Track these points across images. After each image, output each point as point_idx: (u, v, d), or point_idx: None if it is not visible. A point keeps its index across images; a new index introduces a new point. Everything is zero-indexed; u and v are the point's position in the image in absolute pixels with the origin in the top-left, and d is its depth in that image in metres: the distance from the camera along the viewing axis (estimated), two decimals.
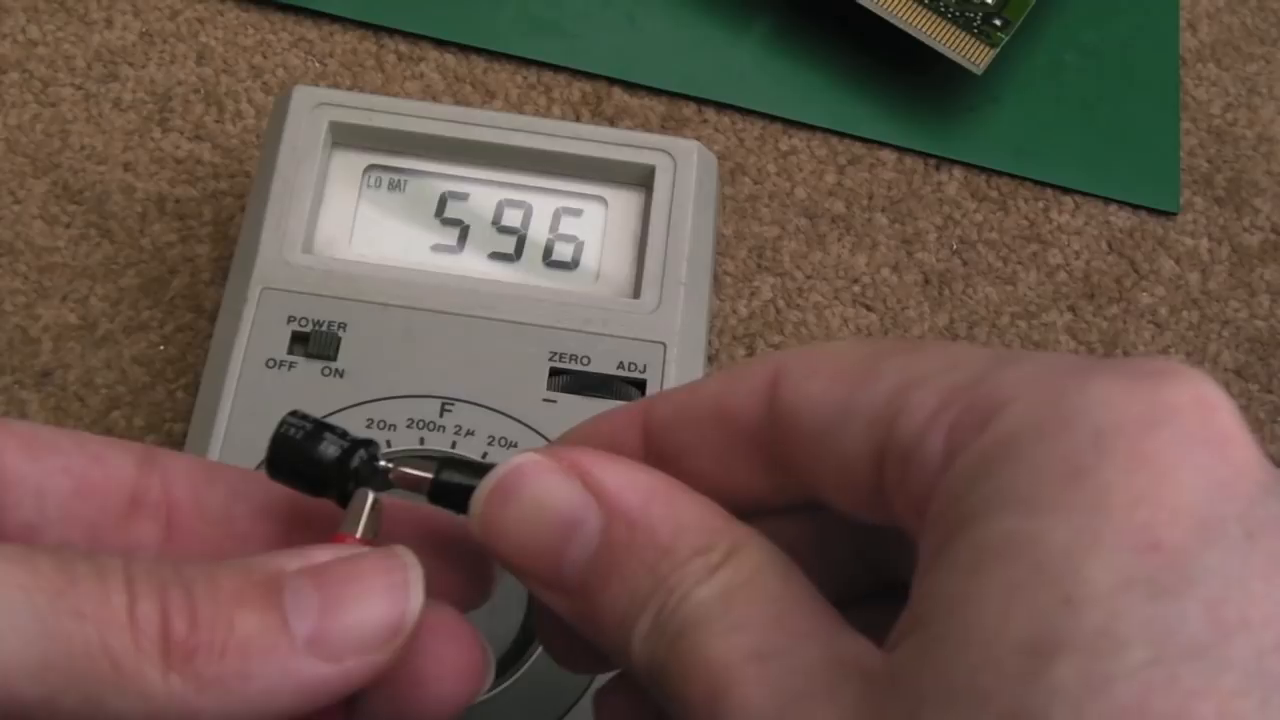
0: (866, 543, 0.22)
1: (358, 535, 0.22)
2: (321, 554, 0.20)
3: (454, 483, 0.22)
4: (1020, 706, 0.15)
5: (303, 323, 0.33)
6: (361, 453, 0.22)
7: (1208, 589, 0.15)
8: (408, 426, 0.32)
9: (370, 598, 0.20)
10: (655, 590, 0.20)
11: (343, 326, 0.33)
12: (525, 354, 0.33)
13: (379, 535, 0.22)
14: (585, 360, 0.33)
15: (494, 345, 0.33)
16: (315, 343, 0.33)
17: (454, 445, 0.32)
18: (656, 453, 0.22)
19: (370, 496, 0.22)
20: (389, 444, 0.32)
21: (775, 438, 0.21)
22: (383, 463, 0.22)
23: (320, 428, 0.22)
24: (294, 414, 0.23)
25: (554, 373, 0.33)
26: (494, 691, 0.30)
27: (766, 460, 0.21)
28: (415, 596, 0.20)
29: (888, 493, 0.19)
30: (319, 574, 0.20)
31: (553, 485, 0.21)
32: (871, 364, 0.20)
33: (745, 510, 0.21)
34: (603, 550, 0.20)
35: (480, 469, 0.22)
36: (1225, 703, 0.14)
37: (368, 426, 0.32)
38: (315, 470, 0.22)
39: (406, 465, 0.23)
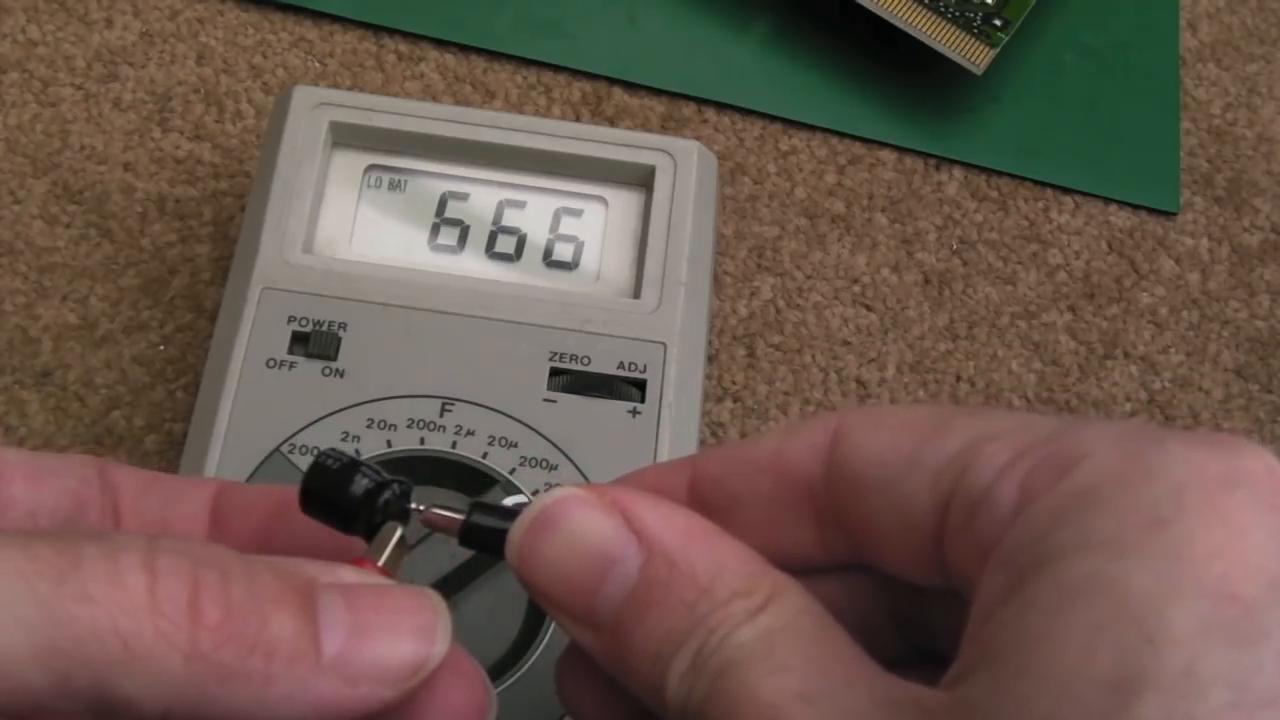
0: (905, 609, 0.22)
1: (380, 564, 0.22)
2: (348, 574, 0.20)
3: (485, 525, 0.22)
4: None
5: (303, 323, 0.33)
6: (395, 488, 0.23)
7: None
8: (408, 426, 0.32)
9: (399, 632, 0.20)
10: (694, 630, 0.19)
11: (343, 326, 0.33)
12: (525, 354, 0.33)
13: (398, 572, 0.22)
14: (585, 360, 0.33)
15: (494, 345, 0.33)
16: (315, 343, 0.33)
17: (454, 445, 0.32)
18: (702, 506, 0.22)
19: (399, 531, 0.22)
20: (389, 444, 0.32)
21: (832, 492, 0.21)
22: (414, 503, 0.23)
23: (355, 464, 0.23)
24: (330, 450, 0.23)
25: (554, 373, 0.33)
26: (495, 691, 0.30)
27: (818, 516, 0.21)
28: (442, 642, 0.20)
29: (948, 544, 0.19)
30: (350, 595, 0.20)
31: (593, 519, 0.21)
32: (940, 421, 0.20)
33: (786, 569, 0.21)
34: (640, 588, 0.20)
35: (511, 514, 0.22)
36: None
37: (368, 426, 0.32)
38: (348, 503, 0.22)
39: (438, 507, 0.23)
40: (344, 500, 0.22)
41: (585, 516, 0.21)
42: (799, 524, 0.22)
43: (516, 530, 0.21)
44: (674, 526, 0.21)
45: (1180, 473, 0.17)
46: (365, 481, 0.22)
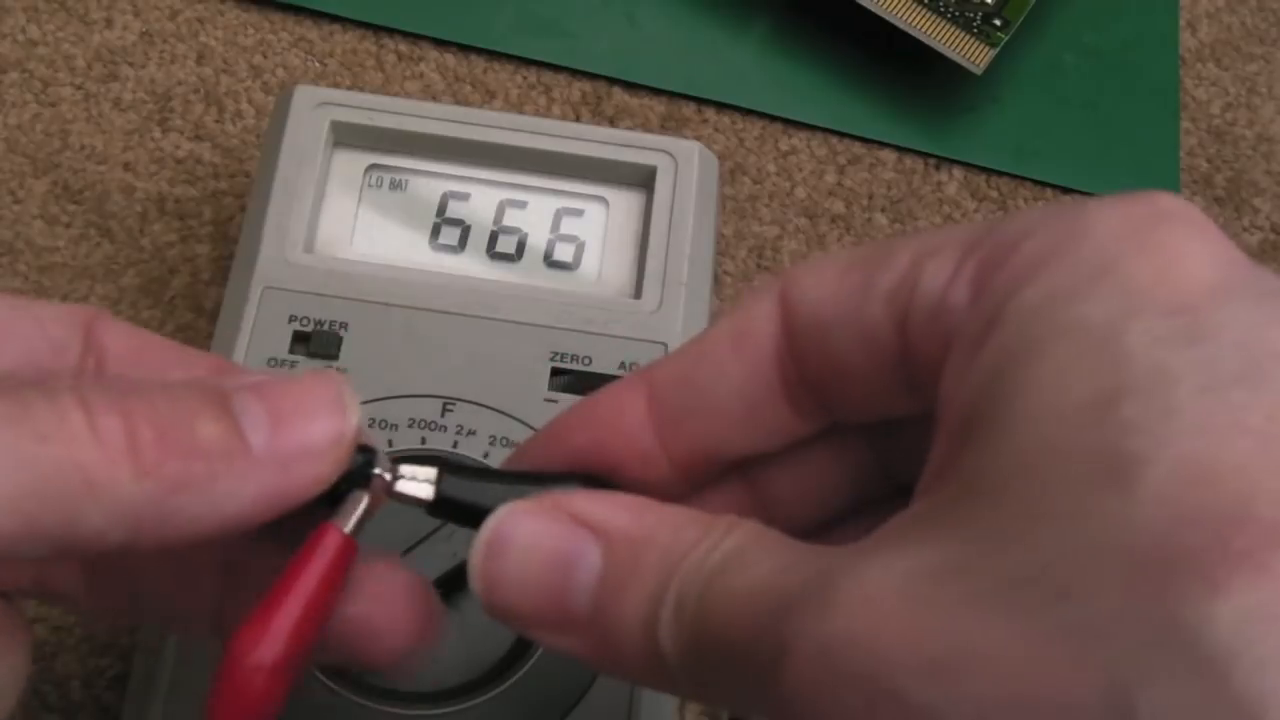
0: (897, 462, 0.23)
1: (346, 533, 0.22)
2: (255, 375, 0.22)
3: (456, 499, 0.22)
4: (1100, 449, 0.16)
5: (304, 322, 0.33)
6: (357, 456, 0.22)
7: (1234, 333, 0.17)
8: (409, 426, 0.32)
9: (313, 411, 0.21)
10: (669, 581, 0.20)
11: (344, 326, 0.33)
12: (527, 354, 0.33)
13: (360, 538, 0.22)
14: (587, 360, 0.33)
15: (495, 345, 0.33)
16: (316, 342, 0.33)
17: (455, 445, 0.32)
18: (667, 417, 0.22)
19: (364, 499, 0.22)
20: (390, 444, 0.32)
21: (794, 348, 0.22)
22: (379, 470, 0.23)
23: None
24: None
25: (555, 373, 0.33)
26: (494, 692, 0.30)
27: (785, 385, 0.22)
28: (353, 412, 0.22)
29: (914, 360, 0.20)
30: (260, 390, 0.21)
31: (542, 527, 0.21)
32: (881, 250, 0.21)
33: (767, 453, 0.22)
34: (609, 570, 0.21)
35: (483, 473, 0.22)
36: (1270, 410, 0.16)
37: (369, 426, 0.32)
38: None
39: (407, 473, 0.23)
40: None
41: (533, 526, 0.21)
42: (770, 400, 0.22)
43: (475, 560, 0.21)
44: (623, 510, 0.21)
45: (1113, 223, 0.19)
46: None
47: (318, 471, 0.21)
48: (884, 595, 0.17)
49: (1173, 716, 0.15)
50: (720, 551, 0.20)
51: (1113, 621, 0.15)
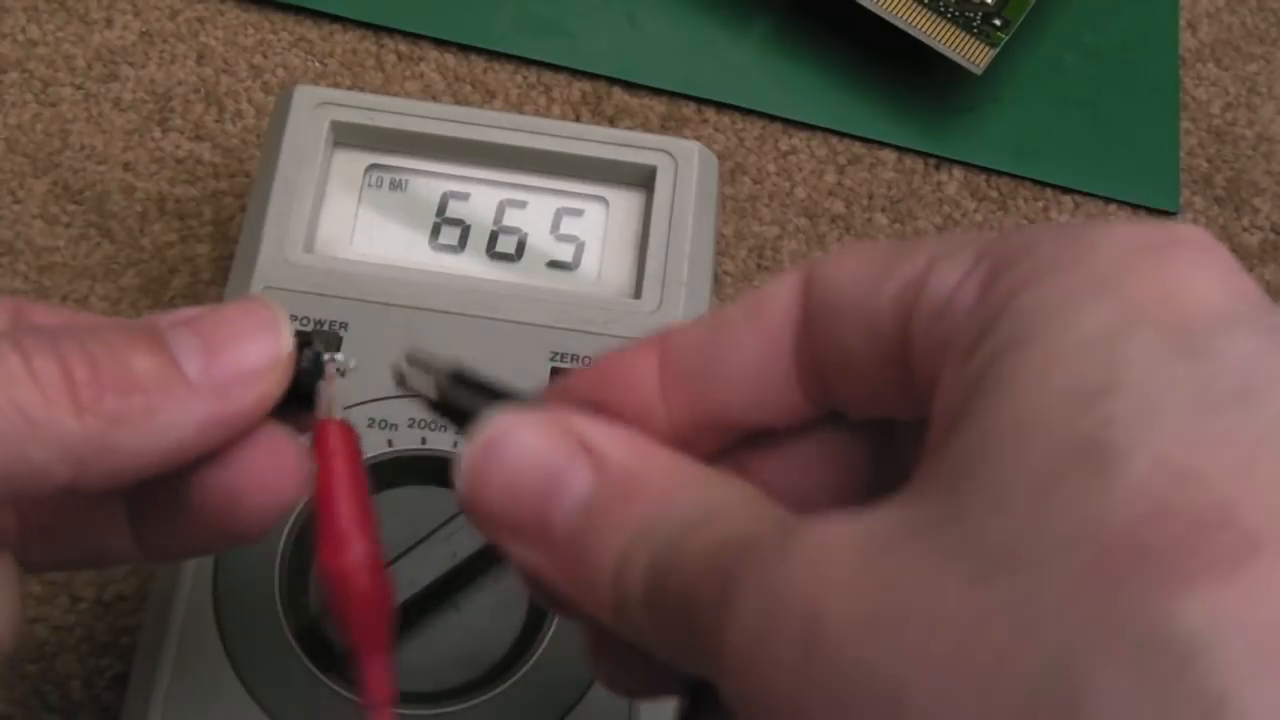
0: (890, 463, 0.23)
1: (336, 417, 0.23)
2: (188, 312, 0.22)
3: (461, 399, 0.22)
4: (1081, 433, 0.16)
5: (304, 322, 0.33)
6: (306, 353, 0.23)
7: (1234, 359, 0.17)
8: (409, 426, 0.32)
9: (247, 336, 0.22)
10: (652, 527, 0.20)
11: (344, 326, 0.33)
12: (526, 354, 0.33)
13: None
14: (586, 360, 0.33)
15: (495, 345, 0.33)
16: (317, 342, 0.33)
17: (456, 445, 0.32)
18: (676, 380, 0.22)
19: (333, 386, 0.23)
20: (390, 444, 0.32)
21: (807, 327, 0.22)
22: (338, 355, 0.23)
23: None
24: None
25: (555, 373, 0.33)
26: (494, 692, 0.30)
27: (799, 362, 0.22)
28: (287, 333, 0.22)
29: (915, 361, 0.20)
30: (193, 323, 0.22)
31: (542, 437, 0.21)
32: (903, 247, 0.21)
33: (771, 431, 0.22)
34: (597, 499, 0.20)
35: (490, 391, 0.22)
36: (1263, 430, 0.16)
37: (369, 426, 0.32)
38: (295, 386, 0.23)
39: (417, 369, 0.23)
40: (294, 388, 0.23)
41: (534, 434, 0.21)
42: (779, 377, 0.22)
43: (466, 454, 0.21)
44: (624, 443, 0.21)
45: (1124, 241, 0.18)
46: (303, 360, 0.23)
47: (260, 392, 0.22)
48: (836, 548, 0.17)
49: (1120, 702, 0.14)
50: (704, 505, 0.20)
51: (1066, 601, 0.15)
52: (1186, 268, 0.18)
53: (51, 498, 0.22)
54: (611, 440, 0.21)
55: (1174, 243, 0.18)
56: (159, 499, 0.23)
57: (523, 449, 0.21)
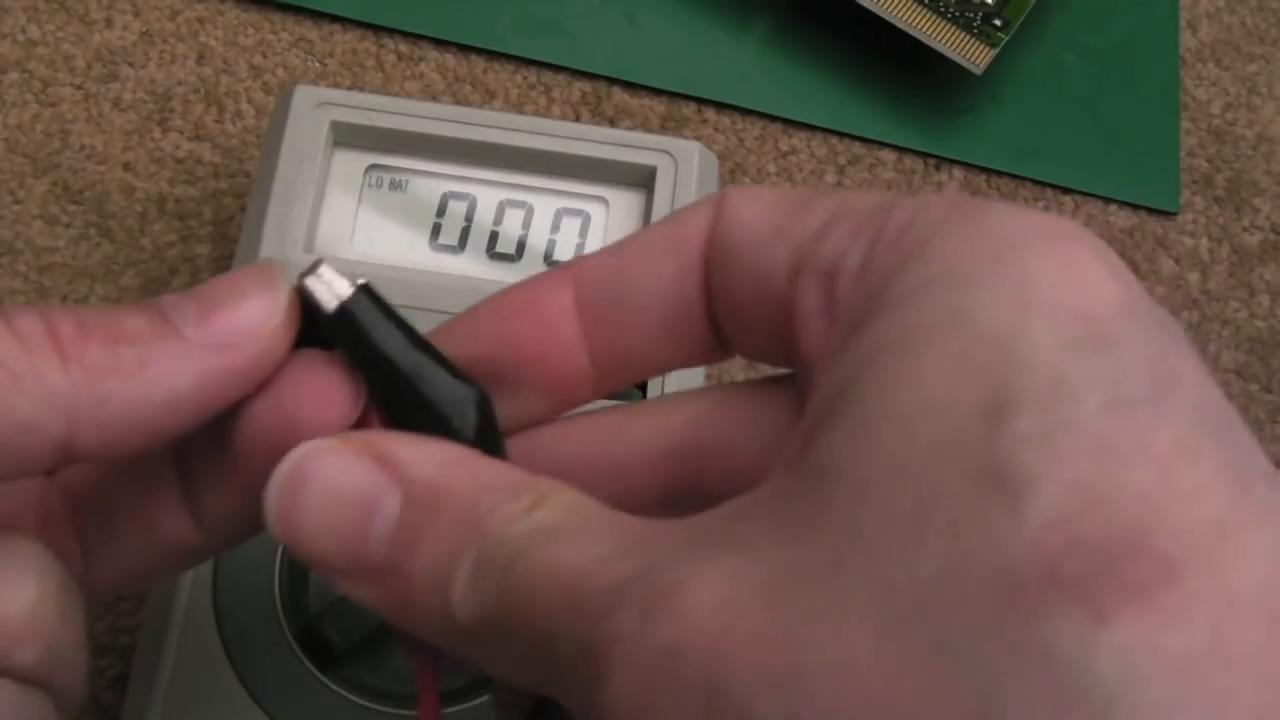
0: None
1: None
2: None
3: (356, 322, 0.21)
4: (989, 460, 0.15)
5: None
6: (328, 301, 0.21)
7: (1139, 351, 0.16)
8: None
9: (244, 292, 0.21)
10: (468, 542, 0.19)
11: None
12: None
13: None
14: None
15: None
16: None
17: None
18: (593, 310, 0.22)
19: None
20: None
21: (710, 266, 0.21)
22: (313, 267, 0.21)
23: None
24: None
25: None
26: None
27: (705, 297, 0.21)
28: (285, 284, 0.21)
29: (799, 319, 0.19)
30: (190, 292, 0.21)
31: (345, 466, 0.20)
32: (808, 199, 0.20)
33: (684, 367, 0.22)
34: (406, 521, 0.20)
35: (398, 323, 0.21)
36: (1179, 434, 0.15)
37: None
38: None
39: (327, 276, 0.21)
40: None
41: (336, 465, 0.20)
42: (692, 312, 0.21)
43: (271, 493, 0.20)
44: (429, 457, 0.20)
45: (1012, 224, 0.18)
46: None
47: (260, 345, 0.21)
48: (728, 602, 0.16)
49: None
50: (531, 521, 0.19)
51: (985, 642, 0.14)
52: (1080, 252, 0.17)
53: (86, 483, 0.21)
54: (415, 456, 0.20)
55: (1060, 233, 0.18)
56: (207, 458, 0.22)
57: (327, 481, 0.20)
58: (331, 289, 0.21)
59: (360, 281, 0.21)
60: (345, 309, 0.21)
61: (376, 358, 0.21)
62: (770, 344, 0.21)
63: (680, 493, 0.21)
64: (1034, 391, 0.16)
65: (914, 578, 0.15)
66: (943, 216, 0.18)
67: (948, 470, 0.15)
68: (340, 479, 0.20)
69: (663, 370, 0.22)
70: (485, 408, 0.21)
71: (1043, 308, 0.16)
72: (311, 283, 0.21)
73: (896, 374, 0.17)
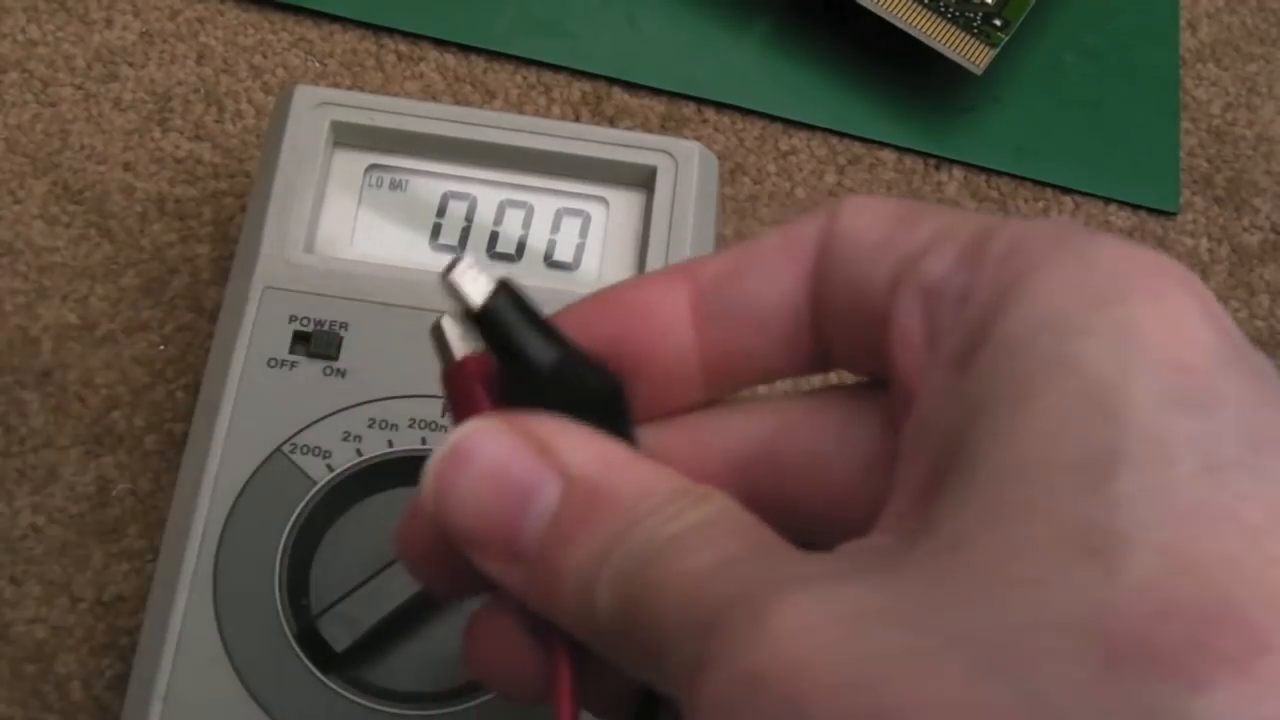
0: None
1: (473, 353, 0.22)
2: None
3: (501, 319, 0.21)
4: (1085, 518, 0.16)
5: (304, 322, 0.33)
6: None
7: (1236, 410, 0.16)
8: (410, 426, 0.32)
9: None
10: (619, 545, 0.19)
11: (344, 326, 0.33)
12: None
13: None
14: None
15: None
16: (317, 342, 0.33)
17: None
18: (710, 314, 0.22)
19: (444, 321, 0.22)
20: (390, 444, 0.32)
21: (817, 273, 0.21)
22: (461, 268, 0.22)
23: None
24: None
25: None
26: (494, 692, 0.30)
27: (811, 302, 0.21)
28: None
29: (896, 332, 0.20)
30: None
31: (508, 450, 0.20)
32: (916, 213, 0.20)
33: (782, 377, 0.22)
34: (563, 516, 0.20)
35: (535, 319, 0.21)
36: (1271, 504, 0.16)
37: (370, 426, 0.32)
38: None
39: (470, 275, 0.21)
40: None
41: (500, 447, 0.20)
42: (803, 317, 0.21)
43: (432, 467, 0.21)
44: (592, 453, 0.20)
45: (1114, 262, 0.18)
46: None
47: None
48: (821, 628, 0.16)
49: None
50: (679, 523, 0.19)
51: (1079, 702, 0.15)
52: (1181, 295, 0.17)
53: None
54: (578, 449, 0.20)
55: (1165, 268, 0.18)
56: None
57: (487, 463, 0.20)
58: (476, 285, 0.21)
59: (501, 279, 0.21)
60: (489, 305, 0.21)
61: (521, 350, 0.21)
62: (866, 355, 0.21)
63: (758, 501, 0.21)
64: (1132, 452, 0.16)
65: (1003, 627, 0.15)
66: (1046, 250, 0.18)
67: (1045, 528, 0.16)
68: (502, 460, 0.20)
69: (769, 379, 0.23)
70: (625, 399, 0.21)
71: (1144, 362, 0.17)
72: (455, 278, 0.21)
73: (1005, 429, 0.17)
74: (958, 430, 0.18)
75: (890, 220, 0.21)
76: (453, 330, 0.22)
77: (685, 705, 0.17)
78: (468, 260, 0.21)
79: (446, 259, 0.35)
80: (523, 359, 0.21)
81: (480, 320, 0.21)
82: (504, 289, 0.21)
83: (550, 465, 0.20)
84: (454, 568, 0.21)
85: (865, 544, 0.18)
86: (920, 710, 0.15)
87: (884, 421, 0.21)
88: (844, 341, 0.21)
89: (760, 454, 0.22)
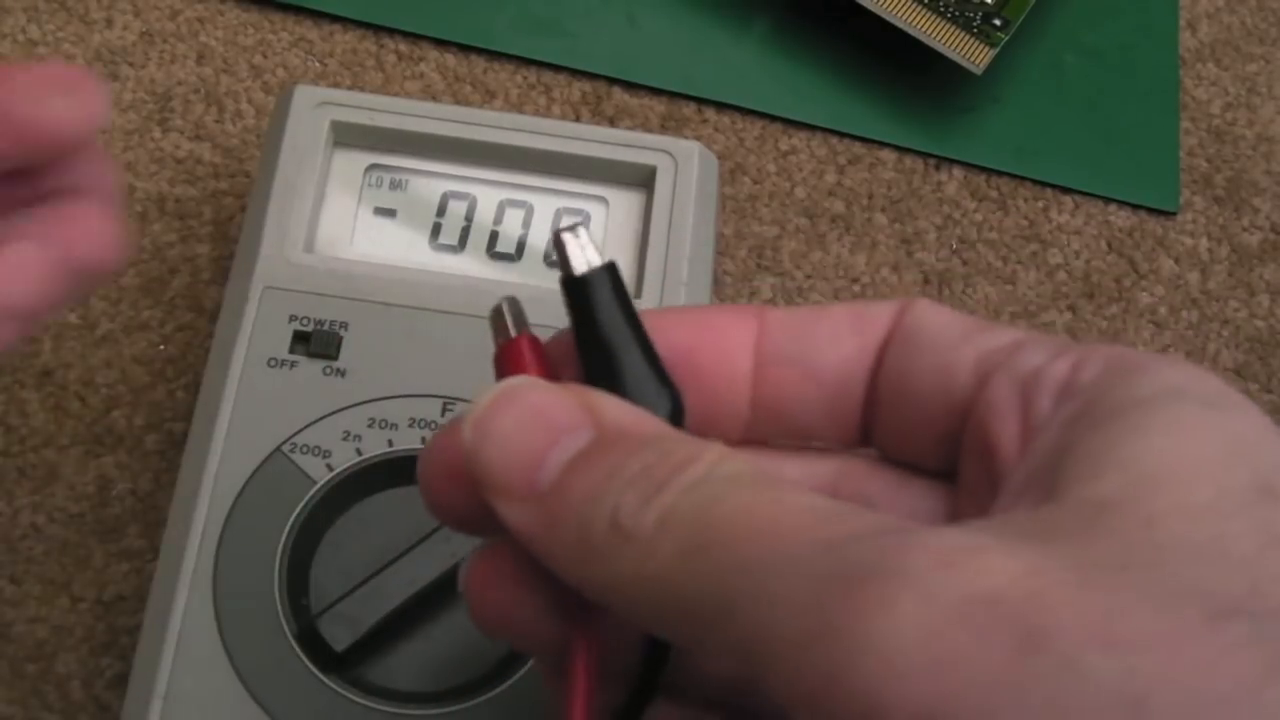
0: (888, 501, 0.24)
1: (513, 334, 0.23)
2: None
3: (589, 291, 0.22)
4: (1269, 523, 0.18)
5: (304, 322, 0.33)
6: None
7: None
8: (409, 426, 0.32)
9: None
10: (651, 468, 0.19)
11: (344, 326, 0.33)
12: None
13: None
14: None
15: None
16: (317, 342, 0.33)
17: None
18: (772, 354, 0.23)
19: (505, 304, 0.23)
20: (390, 443, 0.32)
21: (888, 355, 0.22)
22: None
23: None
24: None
25: None
26: (494, 692, 0.30)
27: (868, 380, 0.22)
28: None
29: (993, 415, 0.21)
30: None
31: (554, 398, 0.21)
32: (991, 323, 0.22)
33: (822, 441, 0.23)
34: (588, 451, 0.20)
35: (625, 306, 0.22)
36: None
37: (369, 426, 0.32)
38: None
39: (585, 243, 0.22)
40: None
41: (547, 394, 0.21)
42: (854, 397, 0.23)
43: (478, 405, 0.21)
44: (631, 413, 0.21)
45: (1188, 371, 0.20)
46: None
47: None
48: (1040, 571, 0.17)
49: None
50: (732, 466, 0.19)
51: None
52: (1239, 402, 0.20)
53: None
54: (618, 408, 0.21)
55: (1224, 388, 0.20)
56: None
57: (531, 405, 0.21)
58: (584, 254, 0.22)
59: (609, 260, 0.22)
60: (588, 278, 0.22)
61: (597, 333, 0.22)
62: (928, 438, 0.22)
63: None
64: (1263, 611, 0.17)
65: (1226, 589, 0.17)
66: (1144, 356, 0.20)
67: (1234, 520, 0.18)
68: (543, 405, 0.21)
69: (807, 437, 0.23)
70: (677, 413, 0.22)
71: (1263, 441, 0.19)
72: (568, 238, 0.22)
73: (1175, 446, 0.19)
74: (1085, 444, 0.19)
75: (968, 322, 0.22)
76: (512, 312, 0.23)
77: (795, 625, 0.17)
78: (587, 234, 0.22)
79: (446, 259, 0.35)
80: (596, 338, 0.22)
81: (572, 283, 0.22)
82: (610, 269, 0.22)
83: (590, 417, 0.21)
84: (471, 502, 0.22)
85: (997, 519, 0.19)
86: (1168, 640, 0.16)
87: (938, 489, 0.23)
88: (901, 421, 0.22)
89: (821, 490, 0.23)
